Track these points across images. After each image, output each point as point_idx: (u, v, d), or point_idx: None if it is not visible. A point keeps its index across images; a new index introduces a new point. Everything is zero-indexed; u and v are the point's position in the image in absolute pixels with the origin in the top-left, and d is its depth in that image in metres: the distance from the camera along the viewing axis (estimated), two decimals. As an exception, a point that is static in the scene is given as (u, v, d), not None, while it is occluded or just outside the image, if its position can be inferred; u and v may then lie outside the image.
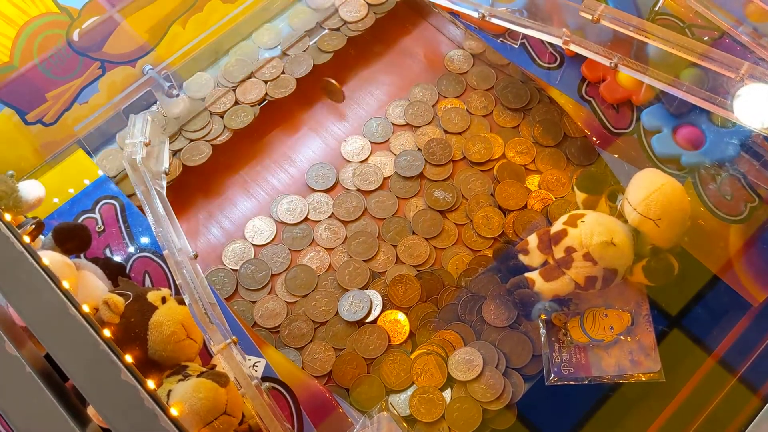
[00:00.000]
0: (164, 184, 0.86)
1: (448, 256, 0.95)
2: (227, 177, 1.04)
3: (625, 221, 0.85)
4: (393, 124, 1.05)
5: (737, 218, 0.92)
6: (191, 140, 1.00)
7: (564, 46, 0.93)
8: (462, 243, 0.96)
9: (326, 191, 1.00)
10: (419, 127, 1.04)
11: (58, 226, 0.77)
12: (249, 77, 1.04)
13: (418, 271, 0.94)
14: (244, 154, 1.05)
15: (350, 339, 0.89)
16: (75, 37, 0.86)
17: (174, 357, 0.74)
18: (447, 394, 0.85)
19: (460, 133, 1.04)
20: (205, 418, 0.66)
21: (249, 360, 0.82)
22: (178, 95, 0.96)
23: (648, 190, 0.83)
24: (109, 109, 0.93)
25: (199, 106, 1.02)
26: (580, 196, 0.90)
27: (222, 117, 1.02)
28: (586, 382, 0.85)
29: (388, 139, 1.04)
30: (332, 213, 0.98)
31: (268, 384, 0.77)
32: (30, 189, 0.78)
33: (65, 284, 0.55)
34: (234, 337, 0.70)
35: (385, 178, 1.01)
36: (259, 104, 1.03)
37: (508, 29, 0.99)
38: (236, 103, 1.03)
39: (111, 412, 0.47)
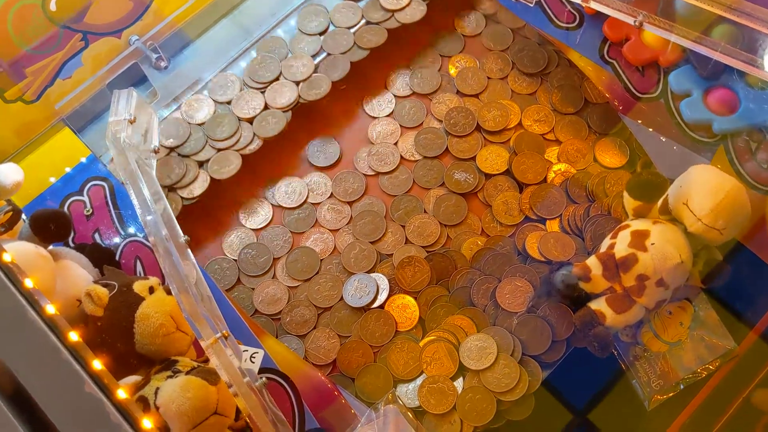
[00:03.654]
0: (153, 163, 0.80)
1: (462, 237, 0.89)
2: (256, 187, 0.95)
3: (671, 218, 0.79)
4: (396, 96, 0.97)
5: (775, 189, 0.84)
6: (218, 150, 0.91)
7: (584, 4, 0.85)
8: (480, 228, 0.90)
9: (329, 168, 0.94)
10: (430, 94, 0.97)
11: (34, 214, 0.71)
12: (277, 78, 0.95)
13: (428, 252, 0.88)
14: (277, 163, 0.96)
15: (355, 325, 0.84)
16: (52, 6, 0.80)
17: (164, 350, 0.69)
18: (458, 384, 0.80)
19: (476, 96, 0.97)
20: (194, 420, 0.61)
21: (246, 351, 0.77)
22: (166, 67, 0.90)
23: (715, 198, 0.75)
24: (94, 84, 0.87)
25: (225, 111, 0.93)
26: (630, 203, 0.80)
27: (251, 123, 0.92)
28: (681, 388, 0.80)
29: (421, 123, 0.96)
30: (331, 193, 0.92)
31: (263, 379, 0.71)
32: (6, 173, 0.72)
33: (28, 283, 0.50)
34: (225, 331, 0.65)
35: (403, 159, 0.94)
36: (292, 108, 0.94)
37: (525, -13, 0.92)
38: (266, 107, 0.93)
39: (72, 428, 0.42)
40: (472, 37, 1.01)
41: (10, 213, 0.69)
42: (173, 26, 0.91)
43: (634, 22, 0.82)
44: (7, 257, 0.50)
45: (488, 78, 0.98)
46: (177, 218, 0.84)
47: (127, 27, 0.88)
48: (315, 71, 0.95)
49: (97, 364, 0.47)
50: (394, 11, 0.97)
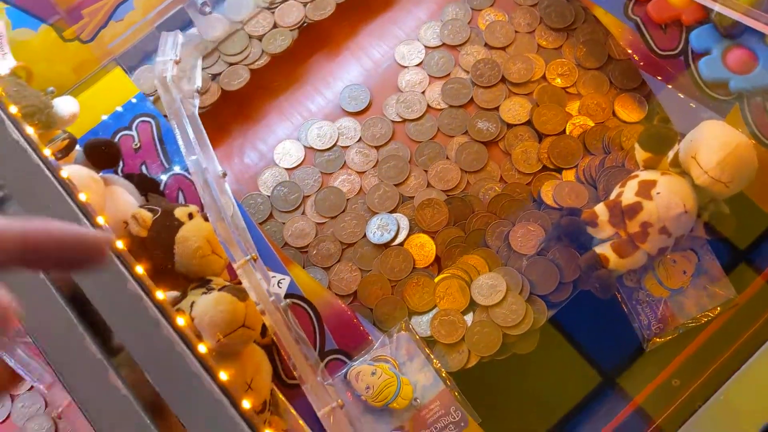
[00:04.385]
0: (197, 102, 0.87)
1: (481, 183, 0.94)
2: (265, 102, 1.03)
3: (680, 171, 0.82)
4: (426, 46, 1.02)
5: (787, 148, 0.87)
6: (230, 64, 1.00)
7: (609, -40, 0.88)
8: (500, 175, 0.95)
9: (359, 114, 1.00)
10: (458, 46, 1.02)
11: (88, 142, 0.79)
12: None
13: (447, 196, 0.93)
14: (283, 79, 1.04)
15: (376, 261, 0.90)
16: (107, -47, 0.87)
17: (200, 271, 0.76)
18: (468, 318, 0.86)
19: (503, 48, 1.01)
20: (224, 330, 0.69)
21: (275, 277, 0.84)
22: (210, 12, 0.96)
23: (722, 152, 0.78)
24: (144, 27, 0.94)
25: (238, 28, 1.01)
26: (641, 155, 0.83)
27: (260, 40, 1.01)
28: (679, 332, 0.85)
29: (449, 74, 1.01)
30: (360, 137, 0.97)
31: (288, 300, 0.79)
32: (64, 105, 0.80)
33: (82, 197, 0.58)
34: (254, 254, 0.72)
35: (429, 107, 0.99)
36: (298, 27, 1.02)
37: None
38: (275, 26, 1.02)
39: (115, 318, 0.50)
40: (500, -9, 1.05)
41: (67, 141, 0.77)
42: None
43: (657, -21, 0.85)
44: (64, 173, 0.57)
45: (516, 32, 1.01)
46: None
47: (176, -26, 0.94)
48: None
49: (139, 269, 0.55)
50: None
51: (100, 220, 0.57)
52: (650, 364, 0.85)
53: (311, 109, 1.02)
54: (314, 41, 1.06)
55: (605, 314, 0.87)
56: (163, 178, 0.90)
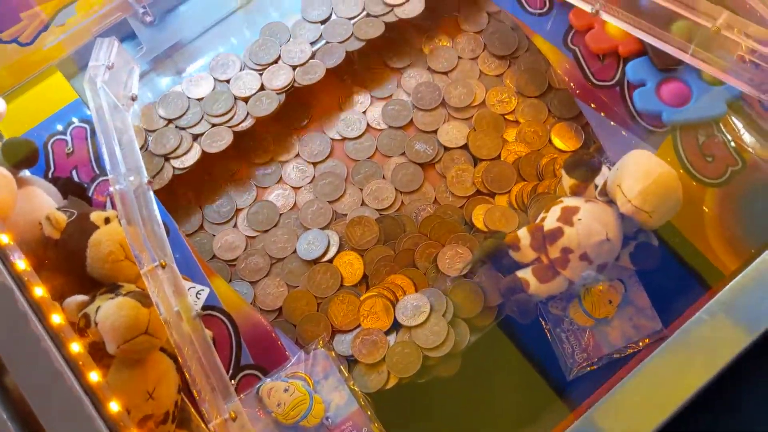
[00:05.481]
0: (130, 109, 0.87)
1: (415, 204, 0.94)
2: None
3: (607, 200, 0.82)
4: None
5: (716, 181, 0.87)
6: (213, 125, 0.95)
7: (549, -10, 0.89)
8: (434, 197, 0.95)
9: (299, 130, 1.00)
10: (402, 68, 1.02)
11: (5, 140, 0.79)
12: (276, 61, 0.98)
13: (380, 214, 0.93)
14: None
15: (304, 277, 0.89)
16: (49, -46, 0.87)
17: (111, 276, 0.75)
18: (392, 339, 0.85)
19: (446, 73, 1.01)
20: (124, 335, 0.67)
21: (194, 288, 0.83)
22: (152, 22, 0.96)
23: (645, 182, 0.77)
24: (84, 33, 0.93)
25: (224, 89, 0.97)
26: (567, 181, 0.83)
27: (246, 102, 0.96)
28: (602, 363, 0.84)
29: (390, 95, 1.00)
30: (298, 153, 0.97)
31: (199, 310, 0.77)
32: (-11, 104, 0.79)
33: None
34: (163, 261, 0.71)
35: (369, 126, 0.99)
36: (286, 91, 0.97)
37: (497, -29, 0.95)
38: (262, 88, 0.97)
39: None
40: (449, 17, 1.05)
41: (-14, 139, 0.76)
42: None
43: (592, 9, 0.86)
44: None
45: (459, 57, 1.02)
46: (168, 185, 0.92)
47: (121, -19, 0.95)
48: (312, 57, 0.98)
49: (21, 264, 0.54)
50: (393, 6, 1.00)
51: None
52: (572, 393, 0.84)
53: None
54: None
55: (530, 341, 0.86)
56: (94, 184, 0.90)
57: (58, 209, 0.77)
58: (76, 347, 0.50)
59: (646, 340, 0.84)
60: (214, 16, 1.02)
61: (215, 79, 0.98)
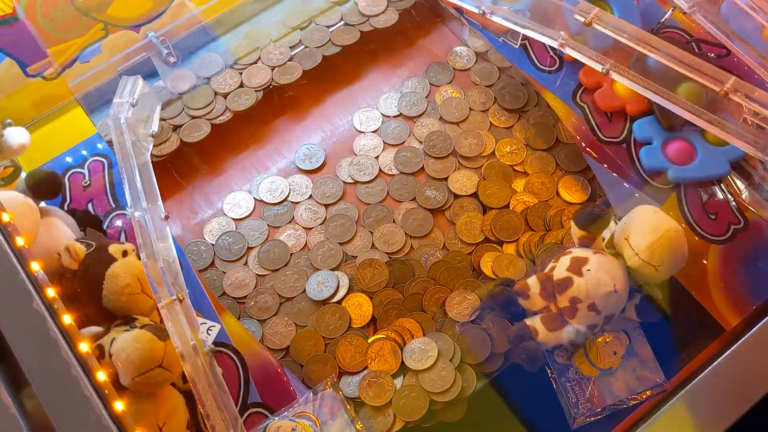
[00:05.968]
0: (150, 146, 0.88)
1: (424, 248, 0.95)
2: (223, 156, 1.05)
3: (615, 252, 0.84)
4: (383, 115, 1.06)
5: (719, 239, 0.89)
6: (192, 117, 1.02)
7: (560, 49, 0.92)
8: (443, 243, 0.96)
9: (313, 172, 1.02)
10: (415, 117, 1.05)
11: (30, 171, 0.80)
12: (256, 62, 1.06)
13: (390, 257, 0.94)
14: (245, 137, 1.06)
15: (312, 317, 0.90)
16: (80, -5, 0.90)
17: (126, 308, 0.76)
18: (398, 382, 0.85)
19: (457, 123, 1.05)
20: (139, 368, 0.68)
21: (205, 324, 0.83)
22: (175, 62, 0.99)
23: (652, 236, 0.80)
24: (108, 71, 0.96)
25: (204, 84, 1.04)
26: (576, 232, 0.86)
27: (225, 98, 1.03)
28: (606, 414, 0.84)
29: (403, 142, 1.04)
30: (311, 194, 0.99)
31: (212, 347, 0.78)
32: (14, 135, 0.81)
33: (5, 217, 0.58)
34: (180, 295, 0.72)
35: (381, 171, 1.01)
36: (263, 89, 1.04)
37: (509, 29, 0.99)
38: (241, 85, 1.04)
39: (14, 334, 0.49)
40: (462, 71, 1.09)
41: (11, 169, 0.77)
42: (188, 27, 1.01)
43: (602, 69, 0.89)
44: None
45: (470, 109, 1.05)
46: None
47: (147, 23, 0.97)
48: (290, 59, 1.06)
49: (50, 291, 0.54)
50: (369, 16, 1.09)
51: (20, 241, 0.57)
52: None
53: (268, 165, 1.04)
54: (279, 104, 1.09)
55: (536, 390, 0.87)
56: (108, 215, 0.91)
57: (77, 241, 0.78)
58: (102, 376, 0.51)
59: (648, 392, 0.85)
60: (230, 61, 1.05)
61: (197, 75, 1.04)
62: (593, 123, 0.96)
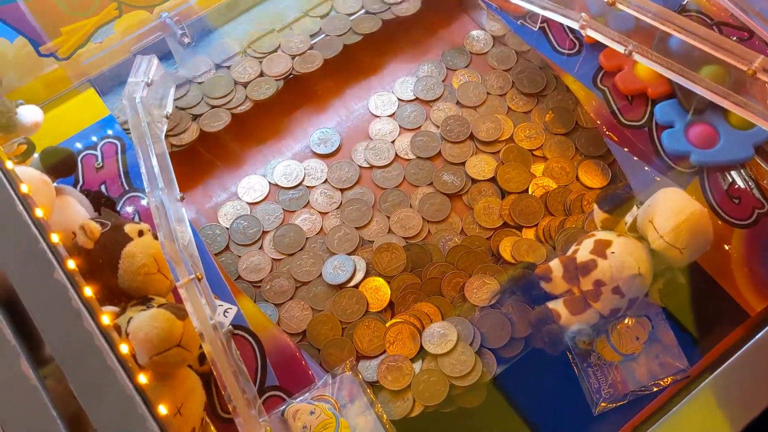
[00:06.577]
0: (164, 128, 0.87)
1: (441, 233, 0.94)
2: (242, 146, 1.03)
3: (638, 236, 0.83)
4: (399, 99, 1.04)
5: (742, 223, 0.88)
6: (212, 106, 1.00)
7: (581, 31, 0.91)
8: (461, 228, 0.95)
9: (328, 156, 1.00)
10: (431, 101, 1.04)
11: (44, 149, 0.79)
12: (276, 50, 1.04)
13: (407, 242, 0.93)
14: (264, 126, 1.05)
15: (329, 301, 0.89)
16: (92, -26, 0.89)
17: (143, 289, 0.74)
18: (417, 366, 0.84)
19: (474, 108, 1.03)
20: (158, 347, 0.66)
21: (222, 306, 0.82)
22: (189, 43, 0.98)
23: (678, 218, 0.79)
24: (122, 51, 0.94)
25: (224, 73, 1.02)
26: (599, 215, 0.84)
27: (245, 86, 1.01)
28: (628, 399, 0.83)
29: (419, 126, 1.02)
30: (326, 179, 0.98)
31: (230, 327, 0.77)
32: (27, 113, 0.80)
33: (24, 187, 0.57)
34: (199, 273, 0.70)
35: (397, 156, 1.00)
36: (284, 78, 1.02)
37: (529, 11, 0.97)
38: (261, 74, 1.02)
39: (35, 304, 0.48)
40: (479, 54, 1.08)
41: (25, 147, 0.76)
42: (201, 10, 0.99)
43: (625, 50, 0.87)
44: (9, 164, 0.56)
45: (488, 93, 1.04)
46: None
47: (161, 3, 0.96)
48: (310, 48, 1.04)
49: (71, 263, 0.53)
50: (391, 4, 1.07)
51: (39, 212, 0.55)
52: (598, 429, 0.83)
53: (283, 151, 1.02)
54: (299, 93, 1.07)
55: (558, 376, 0.86)
56: (122, 197, 0.89)
57: (92, 219, 0.76)
58: (125, 348, 0.49)
59: (671, 379, 0.84)
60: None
61: (216, 64, 1.02)
62: (614, 107, 0.95)
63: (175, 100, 0.97)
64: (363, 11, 1.07)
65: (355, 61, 1.09)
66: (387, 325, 0.86)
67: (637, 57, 0.87)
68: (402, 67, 1.10)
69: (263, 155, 1.03)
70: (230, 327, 0.77)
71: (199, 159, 1.01)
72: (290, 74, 1.03)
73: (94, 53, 0.94)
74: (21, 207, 0.53)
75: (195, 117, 0.99)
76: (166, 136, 0.94)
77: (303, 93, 1.07)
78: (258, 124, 1.04)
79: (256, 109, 1.01)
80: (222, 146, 1.02)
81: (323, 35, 1.05)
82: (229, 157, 1.03)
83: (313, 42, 1.05)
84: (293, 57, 1.03)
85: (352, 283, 0.90)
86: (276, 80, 1.02)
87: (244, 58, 1.03)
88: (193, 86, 1.00)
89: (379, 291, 0.89)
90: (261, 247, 0.94)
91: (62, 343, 0.47)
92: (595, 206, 0.84)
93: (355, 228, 0.94)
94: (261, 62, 1.03)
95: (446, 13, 1.13)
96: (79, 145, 0.92)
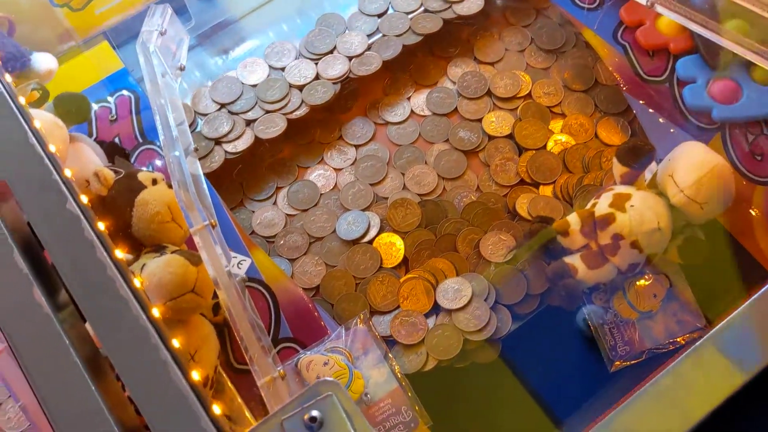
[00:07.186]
0: (178, 80, 0.86)
1: (457, 190, 0.93)
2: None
3: (658, 192, 0.81)
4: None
5: (765, 180, 0.86)
6: (267, 111, 0.95)
7: (603, -17, 0.89)
8: (476, 185, 0.94)
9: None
10: (447, 57, 1.02)
11: (59, 94, 0.78)
12: (332, 51, 0.99)
13: (422, 199, 0.92)
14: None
15: (343, 257, 0.88)
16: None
17: (156, 237, 0.74)
18: (431, 322, 0.83)
19: (492, 64, 1.01)
20: (171, 293, 0.66)
21: (235, 258, 0.82)
22: (208, -2, 0.97)
23: (699, 172, 0.77)
24: (136, 2, 0.93)
25: (278, 76, 0.97)
26: (618, 169, 0.83)
27: (300, 90, 0.96)
28: (644, 357, 0.82)
29: (436, 82, 1.00)
30: (341, 135, 0.97)
31: (243, 276, 0.76)
32: (42, 60, 0.79)
33: (37, 123, 0.56)
34: (213, 220, 0.70)
35: (413, 112, 0.98)
36: (341, 81, 0.97)
37: (549, -35, 0.96)
38: (317, 77, 0.97)
39: (48, 234, 0.47)
40: (497, 11, 1.06)
41: (40, 92, 0.75)
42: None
43: (647, 2, 0.86)
44: (22, 100, 0.56)
45: (506, 49, 1.02)
46: (217, 170, 0.91)
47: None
48: (368, 49, 0.99)
49: (84, 198, 0.52)
50: (452, 3, 1.01)
51: (52, 147, 0.55)
52: (613, 387, 0.82)
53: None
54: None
55: (573, 333, 0.85)
56: (136, 149, 0.89)
57: (106, 167, 0.76)
58: (138, 282, 0.49)
59: (687, 337, 0.83)
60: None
61: (270, 66, 0.98)
62: (635, 62, 0.93)
63: (228, 104, 0.95)
64: (422, 9, 1.01)
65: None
66: (401, 280, 0.85)
67: (659, 8, 0.85)
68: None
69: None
70: (244, 276, 0.76)
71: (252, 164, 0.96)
72: (347, 76, 0.97)
73: (108, 2, 0.93)
74: (34, 140, 0.52)
75: (249, 122, 0.94)
76: (220, 142, 0.93)
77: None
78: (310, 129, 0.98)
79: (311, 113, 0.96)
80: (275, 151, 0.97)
81: (380, 35, 1.00)
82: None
83: (370, 42, 0.99)
84: (350, 58, 0.98)
85: (366, 239, 0.89)
86: (333, 83, 0.96)
87: (298, 59, 0.98)
88: (246, 88, 0.96)
89: (393, 247, 0.88)
90: (275, 203, 0.93)
91: (75, 272, 0.46)
92: (615, 160, 0.82)
93: (370, 184, 0.93)
94: (317, 64, 0.97)
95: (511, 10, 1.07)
96: (92, 98, 0.91)
